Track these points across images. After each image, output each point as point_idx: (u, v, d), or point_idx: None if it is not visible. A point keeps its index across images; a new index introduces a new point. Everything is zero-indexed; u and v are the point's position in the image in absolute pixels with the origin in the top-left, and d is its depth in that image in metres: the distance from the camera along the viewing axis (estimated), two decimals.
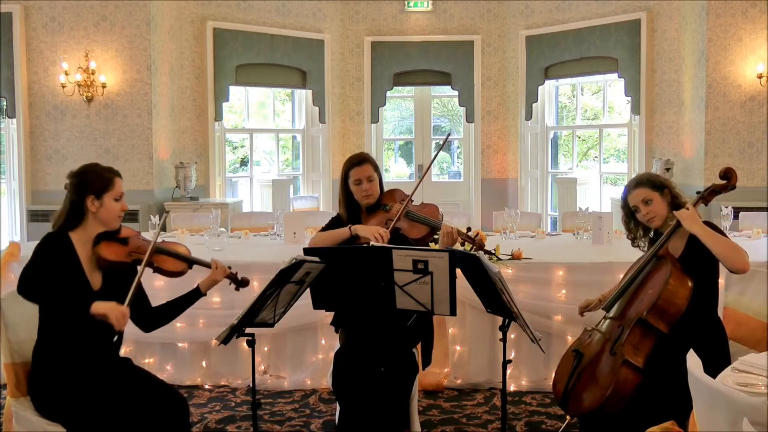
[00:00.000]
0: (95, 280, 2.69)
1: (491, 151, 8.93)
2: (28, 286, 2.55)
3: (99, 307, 2.50)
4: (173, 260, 2.82)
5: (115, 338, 2.61)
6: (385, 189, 3.49)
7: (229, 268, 2.93)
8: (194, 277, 2.95)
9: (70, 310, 2.54)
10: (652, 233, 3.07)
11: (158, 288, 3.72)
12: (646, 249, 3.08)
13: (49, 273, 2.56)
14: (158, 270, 2.80)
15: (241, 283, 2.95)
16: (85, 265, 2.67)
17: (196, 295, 2.90)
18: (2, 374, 2.85)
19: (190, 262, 2.87)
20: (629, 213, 3.05)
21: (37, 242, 2.68)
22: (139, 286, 2.72)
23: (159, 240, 2.81)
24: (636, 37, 7.66)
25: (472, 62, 8.74)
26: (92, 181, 2.67)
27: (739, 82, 6.82)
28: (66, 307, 2.54)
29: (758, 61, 6.70)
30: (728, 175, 2.92)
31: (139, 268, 2.66)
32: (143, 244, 2.77)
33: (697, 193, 2.97)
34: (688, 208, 2.85)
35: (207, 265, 2.89)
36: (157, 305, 2.89)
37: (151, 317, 2.87)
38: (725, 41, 6.81)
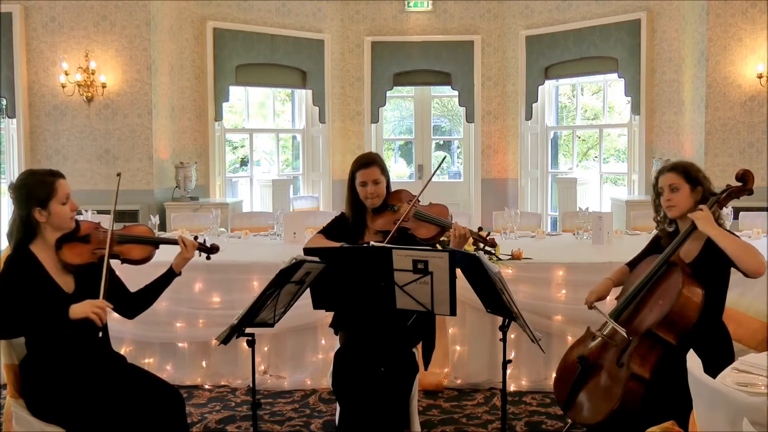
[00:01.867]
0: (67, 283, 2.65)
1: (491, 151, 8.93)
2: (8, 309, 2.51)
3: (75, 311, 2.48)
4: (138, 247, 2.77)
5: (100, 334, 2.56)
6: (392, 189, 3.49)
7: (195, 238, 2.92)
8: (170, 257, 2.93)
9: (49, 328, 2.52)
10: (673, 227, 2.97)
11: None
12: (664, 231, 3.01)
13: (19, 300, 2.51)
14: (126, 261, 2.76)
15: (211, 250, 2.94)
16: (54, 273, 2.63)
17: (170, 275, 2.88)
18: (2, 374, 2.84)
19: (155, 242, 2.83)
20: (658, 193, 2.97)
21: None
22: (111, 275, 2.69)
23: (118, 228, 2.76)
24: (636, 37, 7.66)
25: (472, 62, 8.73)
26: (34, 192, 2.58)
27: (739, 82, 6.82)
28: (44, 327, 2.51)
29: (758, 61, 6.70)
30: (745, 177, 2.85)
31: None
32: (105, 236, 2.71)
33: (713, 194, 2.89)
34: (702, 209, 2.79)
35: (174, 242, 2.85)
36: (136, 291, 2.86)
37: (131, 304, 2.85)
38: (725, 41, 6.81)
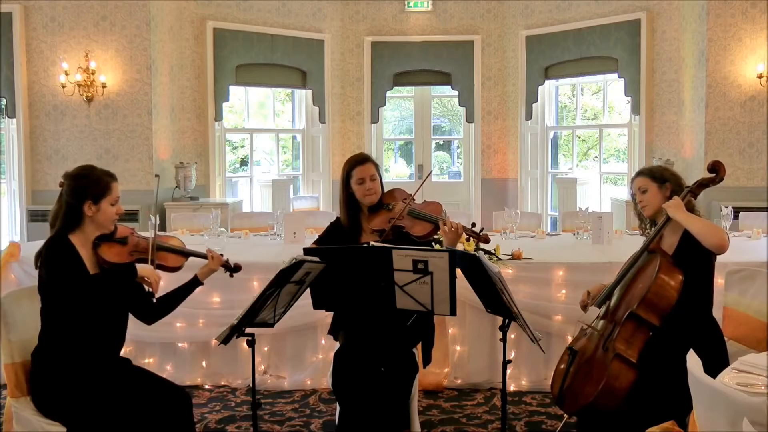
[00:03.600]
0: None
1: (491, 151, 8.93)
2: (51, 287, 2.60)
3: (143, 269, 2.69)
4: (173, 255, 2.91)
5: (155, 299, 2.77)
6: (386, 189, 3.48)
7: (221, 255, 3.01)
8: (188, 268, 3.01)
9: (83, 307, 2.59)
10: (653, 226, 3.11)
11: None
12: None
13: (62, 274, 2.60)
14: (160, 267, 2.85)
15: (235, 269, 3.04)
16: (88, 266, 2.69)
17: (194, 283, 2.97)
18: (2, 374, 2.85)
19: (187, 254, 2.95)
20: (636, 201, 3.16)
21: (36, 242, 2.69)
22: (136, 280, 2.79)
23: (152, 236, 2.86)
24: (636, 37, 7.66)
25: (472, 62, 8.73)
26: (90, 186, 2.69)
27: (739, 82, 6.82)
28: (80, 305, 2.58)
29: (758, 61, 6.70)
30: (716, 168, 2.98)
31: (144, 265, 2.74)
32: (141, 241, 2.84)
33: (686, 187, 3.03)
34: (673, 199, 2.94)
35: (202, 256, 2.97)
36: (158, 297, 2.90)
37: (153, 309, 2.90)
38: (725, 41, 6.81)
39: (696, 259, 2.88)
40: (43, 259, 2.62)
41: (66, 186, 2.71)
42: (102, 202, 2.68)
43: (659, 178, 3.06)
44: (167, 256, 2.89)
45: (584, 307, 3.17)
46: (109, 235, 2.76)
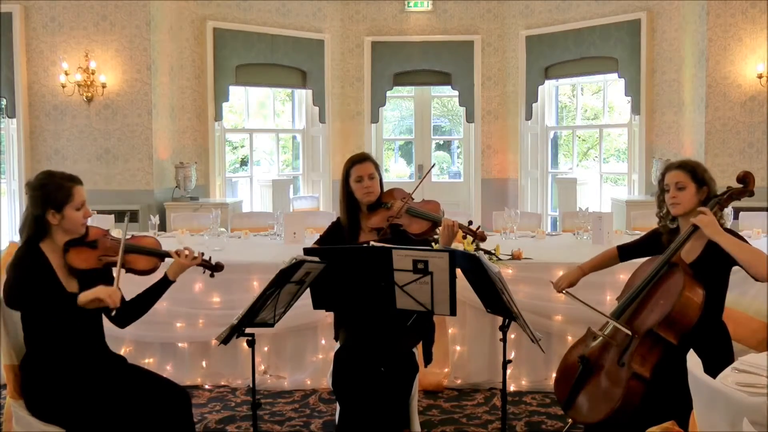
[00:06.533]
0: (72, 286, 2.66)
1: (491, 151, 8.93)
2: (15, 297, 2.53)
3: (86, 294, 2.46)
4: (144, 258, 2.80)
5: (113, 313, 2.60)
6: (385, 189, 3.49)
7: (202, 254, 2.91)
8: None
9: (54, 317, 2.53)
10: (675, 224, 2.97)
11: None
12: (666, 228, 3.01)
13: (30, 284, 2.54)
14: (131, 271, 2.78)
15: (215, 268, 2.95)
16: (60, 273, 2.64)
17: (165, 283, 2.87)
18: (2, 374, 2.85)
19: (162, 255, 2.85)
20: (663, 189, 2.98)
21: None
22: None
23: (127, 237, 2.77)
24: (636, 37, 7.66)
25: (472, 62, 8.74)
26: (51, 195, 2.60)
27: (739, 82, 6.82)
28: (50, 314, 2.52)
29: (758, 61, 6.70)
30: (746, 179, 2.86)
31: (114, 270, 2.64)
32: (112, 244, 2.75)
33: (715, 197, 2.89)
34: (705, 213, 2.76)
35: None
36: (130, 299, 2.86)
37: (125, 312, 2.84)
38: (725, 41, 6.81)
39: (716, 271, 2.79)
40: (10, 267, 2.55)
41: (28, 196, 2.64)
42: (65, 209, 2.61)
43: (700, 179, 2.89)
44: (138, 258, 2.78)
45: (561, 290, 3.11)
46: (79, 239, 2.69)
